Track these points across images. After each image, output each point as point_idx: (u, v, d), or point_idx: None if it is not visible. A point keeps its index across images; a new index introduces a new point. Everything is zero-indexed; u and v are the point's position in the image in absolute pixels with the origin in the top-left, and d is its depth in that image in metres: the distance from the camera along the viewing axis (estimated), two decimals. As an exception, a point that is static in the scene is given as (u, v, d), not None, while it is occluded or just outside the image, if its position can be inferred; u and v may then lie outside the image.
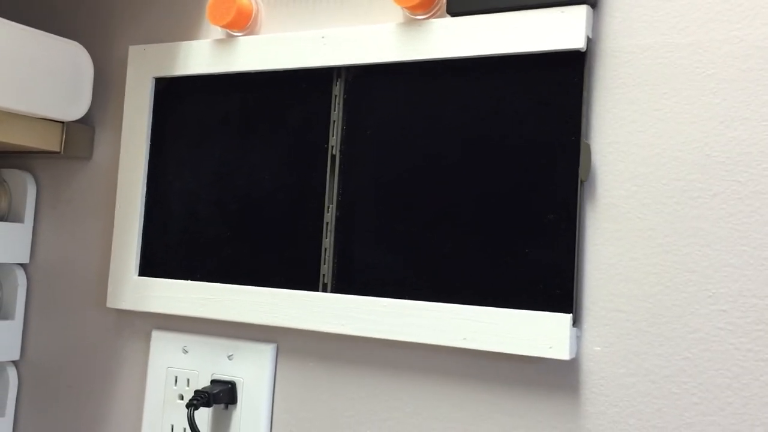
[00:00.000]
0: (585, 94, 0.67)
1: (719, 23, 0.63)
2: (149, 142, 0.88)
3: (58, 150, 0.90)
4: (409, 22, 0.74)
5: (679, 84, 0.64)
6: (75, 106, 0.89)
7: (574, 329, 0.65)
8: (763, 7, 0.62)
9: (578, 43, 0.66)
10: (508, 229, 0.69)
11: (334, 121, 0.78)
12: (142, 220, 0.87)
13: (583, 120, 0.67)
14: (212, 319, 0.83)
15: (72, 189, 0.95)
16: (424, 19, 0.74)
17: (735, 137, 0.62)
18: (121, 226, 0.88)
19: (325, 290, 0.76)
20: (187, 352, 0.84)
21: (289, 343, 0.80)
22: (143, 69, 0.88)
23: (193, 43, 0.85)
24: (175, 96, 0.87)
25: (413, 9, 0.73)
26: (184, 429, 0.83)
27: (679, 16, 0.64)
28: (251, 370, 0.80)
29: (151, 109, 0.88)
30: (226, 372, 0.81)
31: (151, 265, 0.87)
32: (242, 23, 0.82)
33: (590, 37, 0.67)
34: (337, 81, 0.78)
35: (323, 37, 0.78)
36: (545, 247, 0.67)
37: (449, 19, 0.72)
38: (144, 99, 0.88)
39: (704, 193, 0.62)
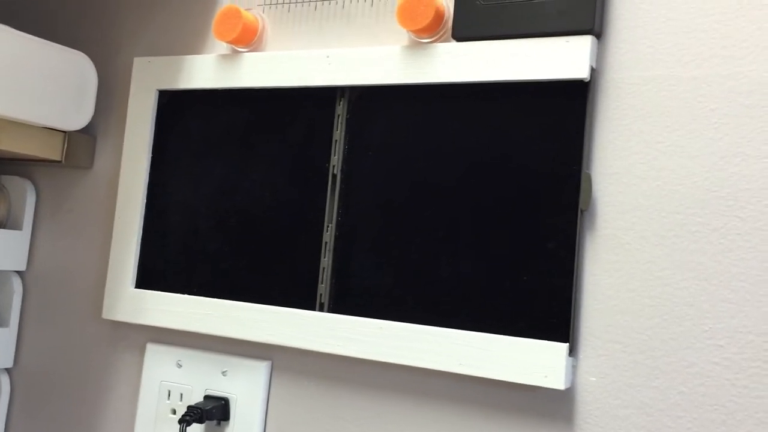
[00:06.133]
0: (587, 123, 0.67)
1: (723, 59, 0.63)
2: (150, 155, 0.88)
3: (59, 159, 0.90)
4: (414, 45, 0.74)
5: (682, 117, 0.64)
6: (78, 115, 0.89)
7: (570, 359, 0.65)
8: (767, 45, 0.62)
9: (582, 73, 0.66)
10: (507, 255, 0.69)
11: (336, 141, 0.78)
12: (141, 232, 0.87)
13: (585, 149, 0.67)
14: (207, 334, 0.82)
15: (72, 198, 0.95)
16: (429, 42, 0.74)
17: (736, 173, 0.62)
18: (120, 237, 0.88)
19: (321, 309, 0.76)
20: (181, 366, 0.84)
21: (283, 361, 0.80)
22: (147, 81, 0.88)
23: (198, 57, 0.85)
24: (178, 109, 0.87)
25: (419, 32, 0.73)
26: (176, 444, 0.82)
27: (684, 49, 0.65)
28: (245, 386, 0.80)
29: (154, 122, 0.88)
30: (219, 388, 0.81)
31: (148, 278, 0.86)
32: (248, 39, 0.83)
33: (594, 67, 0.67)
34: (340, 100, 0.78)
35: (328, 57, 0.78)
36: (544, 275, 0.67)
37: (454, 44, 0.72)
38: (147, 111, 0.88)
39: (704, 228, 0.63)
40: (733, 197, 0.62)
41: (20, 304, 0.96)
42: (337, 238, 0.77)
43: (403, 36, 0.76)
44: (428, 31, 0.73)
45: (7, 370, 0.95)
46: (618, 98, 0.67)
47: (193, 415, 0.78)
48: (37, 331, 0.95)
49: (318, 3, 0.82)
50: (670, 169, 0.64)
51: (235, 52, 0.84)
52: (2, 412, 0.94)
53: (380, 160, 0.76)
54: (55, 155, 0.90)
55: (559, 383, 0.64)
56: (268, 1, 0.85)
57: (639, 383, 0.64)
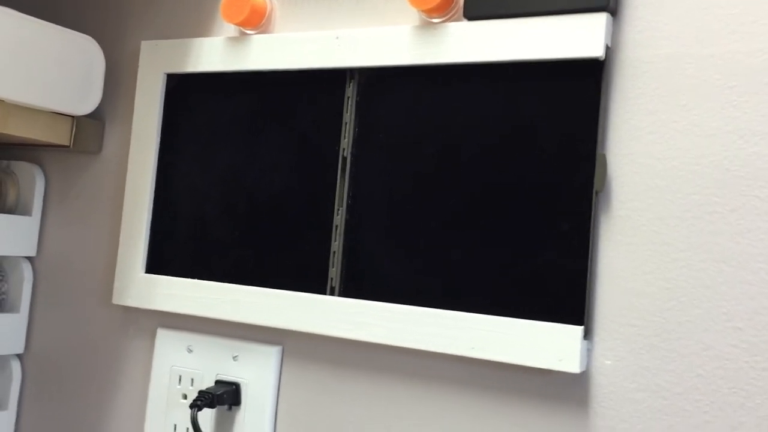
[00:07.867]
0: (602, 103, 0.66)
1: (741, 35, 0.62)
2: (159, 138, 0.87)
3: (67, 144, 0.90)
4: (425, 25, 0.73)
5: (699, 96, 0.63)
6: (86, 100, 0.88)
7: (585, 342, 0.65)
8: (788, 20, 0.61)
9: (597, 51, 0.65)
10: (521, 237, 0.68)
11: (346, 123, 0.77)
12: (151, 216, 0.87)
13: (600, 130, 0.66)
14: (218, 319, 0.82)
15: (81, 183, 0.95)
16: (440, 22, 0.73)
17: (755, 152, 0.61)
18: (129, 222, 0.87)
19: (332, 294, 0.76)
20: (191, 351, 0.83)
21: (294, 345, 0.79)
22: (155, 64, 0.88)
23: (206, 39, 0.84)
24: (187, 93, 0.86)
25: (429, 12, 0.72)
26: (187, 429, 0.82)
27: (701, 27, 0.63)
28: (256, 371, 0.79)
29: (162, 105, 0.87)
30: (230, 373, 0.81)
31: (158, 263, 0.86)
32: (256, 21, 0.82)
33: (609, 45, 0.66)
34: (350, 82, 0.77)
35: (337, 38, 0.77)
36: (558, 258, 0.66)
37: (466, 23, 0.71)
38: (155, 95, 0.87)
39: (721, 208, 0.61)
40: (752, 177, 0.61)
41: (31, 289, 0.96)
42: (348, 222, 0.76)
43: (414, 16, 0.75)
44: (439, 10, 0.72)
45: (18, 355, 0.95)
46: (633, 77, 0.65)
47: (204, 399, 0.77)
48: (48, 317, 0.95)
49: (327, -17, 0.81)
50: (687, 148, 0.63)
51: (244, 34, 0.83)
52: (14, 397, 0.94)
53: (390, 143, 0.75)
54: (64, 140, 0.90)
55: (574, 367, 0.63)
56: (276, -18, 0.84)
57: (655, 366, 0.63)
